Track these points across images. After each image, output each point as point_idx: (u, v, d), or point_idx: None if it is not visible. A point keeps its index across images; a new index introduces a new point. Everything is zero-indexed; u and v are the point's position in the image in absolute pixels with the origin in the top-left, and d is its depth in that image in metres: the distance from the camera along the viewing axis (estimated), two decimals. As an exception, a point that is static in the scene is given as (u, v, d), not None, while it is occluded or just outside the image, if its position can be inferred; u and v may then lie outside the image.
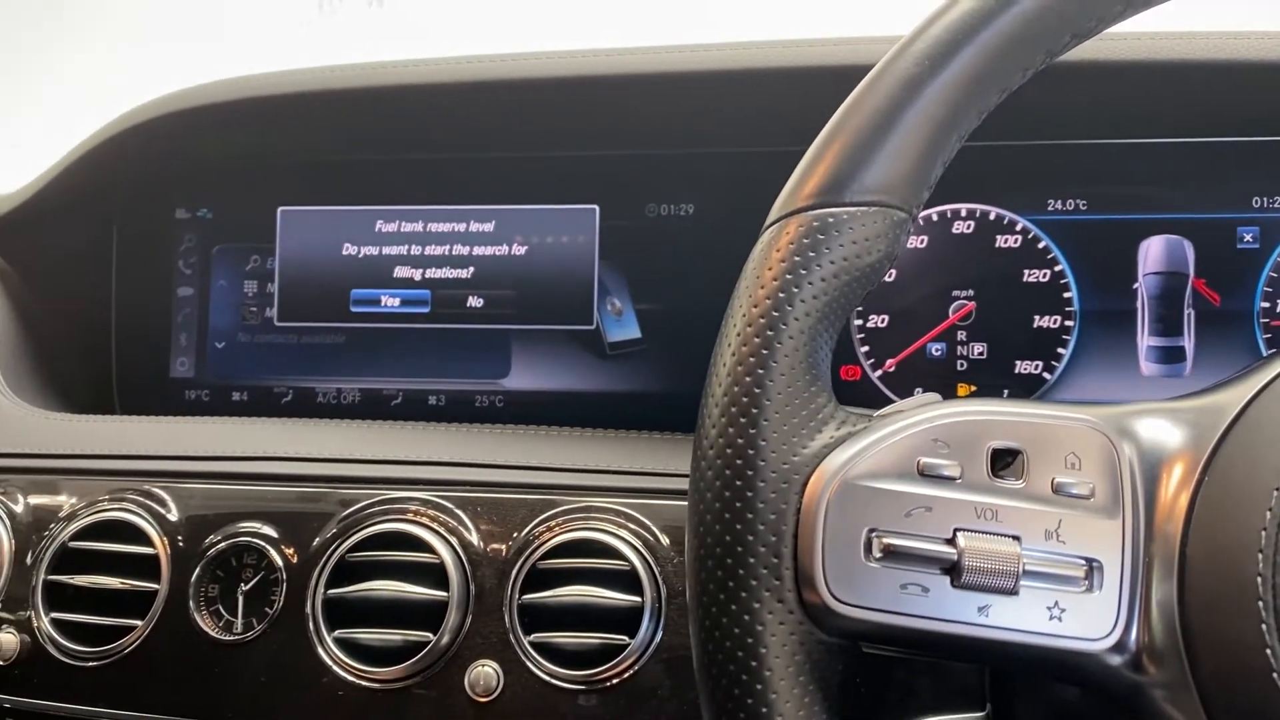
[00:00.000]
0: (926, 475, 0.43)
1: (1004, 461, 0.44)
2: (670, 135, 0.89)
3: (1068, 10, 0.46)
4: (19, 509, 0.80)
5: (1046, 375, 0.84)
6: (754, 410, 0.43)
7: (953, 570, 0.42)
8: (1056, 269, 0.85)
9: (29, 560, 0.77)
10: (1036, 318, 0.85)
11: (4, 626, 0.76)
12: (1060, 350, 0.84)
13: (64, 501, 0.80)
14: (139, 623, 0.74)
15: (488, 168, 0.94)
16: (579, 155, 0.92)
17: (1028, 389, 0.85)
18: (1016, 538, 0.42)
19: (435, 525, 0.73)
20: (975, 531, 0.42)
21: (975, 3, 0.45)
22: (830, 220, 0.44)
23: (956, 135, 0.46)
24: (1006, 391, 0.85)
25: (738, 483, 0.42)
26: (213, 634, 0.73)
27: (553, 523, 0.73)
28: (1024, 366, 0.85)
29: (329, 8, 3.35)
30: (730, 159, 0.90)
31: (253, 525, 0.75)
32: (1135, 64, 0.77)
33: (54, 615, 0.76)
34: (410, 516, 0.74)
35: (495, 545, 0.73)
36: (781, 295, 0.44)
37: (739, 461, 0.42)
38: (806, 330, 0.44)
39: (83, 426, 0.87)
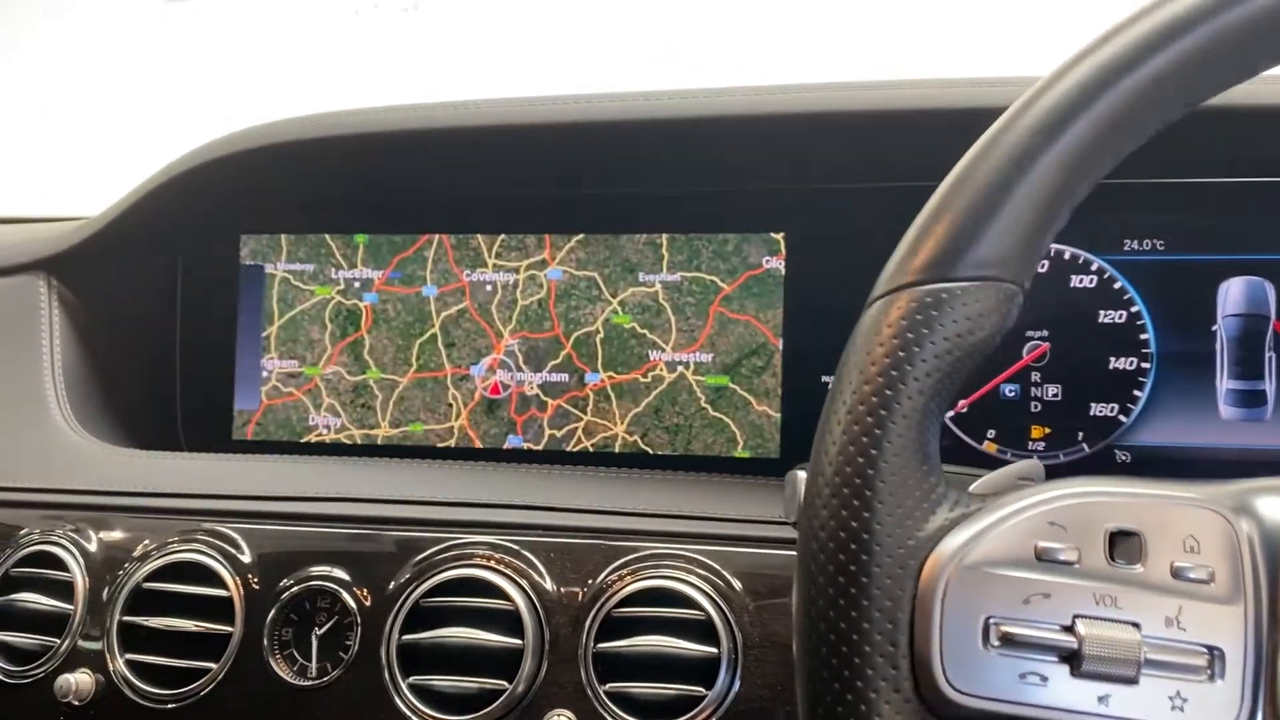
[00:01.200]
0: (1044, 560, 0.42)
1: (1122, 544, 0.43)
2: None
3: (1184, 80, 0.45)
4: (92, 547, 0.81)
5: (1122, 418, 0.83)
6: (867, 492, 0.42)
7: (1072, 659, 0.41)
8: (1133, 310, 0.83)
9: (104, 599, 0.78)
10: (1112, 359, 0.84)
11: (79, 668, 0.77)
12: (1136, 393, 0.83)
13: (136, 541, 0.80)
14: (213, 665, 0.74)
15: (568, 203, 0.94)
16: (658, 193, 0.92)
17: (1103, 432, 0.83)
18: (1136, 624, 0.41)
19: (509, 571, 0.73)
20: (1094, 618, 0.41)
21: (1088, 74, 0.44)
22: (943, 295, 0.44)
23: (1069, 206, 0.46)
24: (1081, 434, 0.84)
25: (852, 567, 0.42)
26: (287, 678, 0.73)
27: (625, 570, 0.72)
28: (1099, 409, 0.84)
29: (365, 14, 3.37)
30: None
31: (325, 569, 0.75)
32: (1214, 105, 0.75)
33: (129, 656, 0.76)
34: (484, 561, 0.73)
35: (569, 592, 0.72)
36: (894, 373, 0.43)
37: (853, 546, 0.42)
38: (919, 409, 0.43)
39: (152, 463, 0.87)
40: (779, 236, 0.89)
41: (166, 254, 1.01)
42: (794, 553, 0.72)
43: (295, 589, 0.75)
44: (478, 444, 0.94)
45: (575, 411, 0.92)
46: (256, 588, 0.76)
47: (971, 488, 0.48)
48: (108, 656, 0.76)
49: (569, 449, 0.92)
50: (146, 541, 0.80)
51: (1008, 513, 0.43)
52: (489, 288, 0.94)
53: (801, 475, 0.58)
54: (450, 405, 0.94)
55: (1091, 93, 0.44)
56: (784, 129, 0.80)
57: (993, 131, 0.46)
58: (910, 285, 0.44)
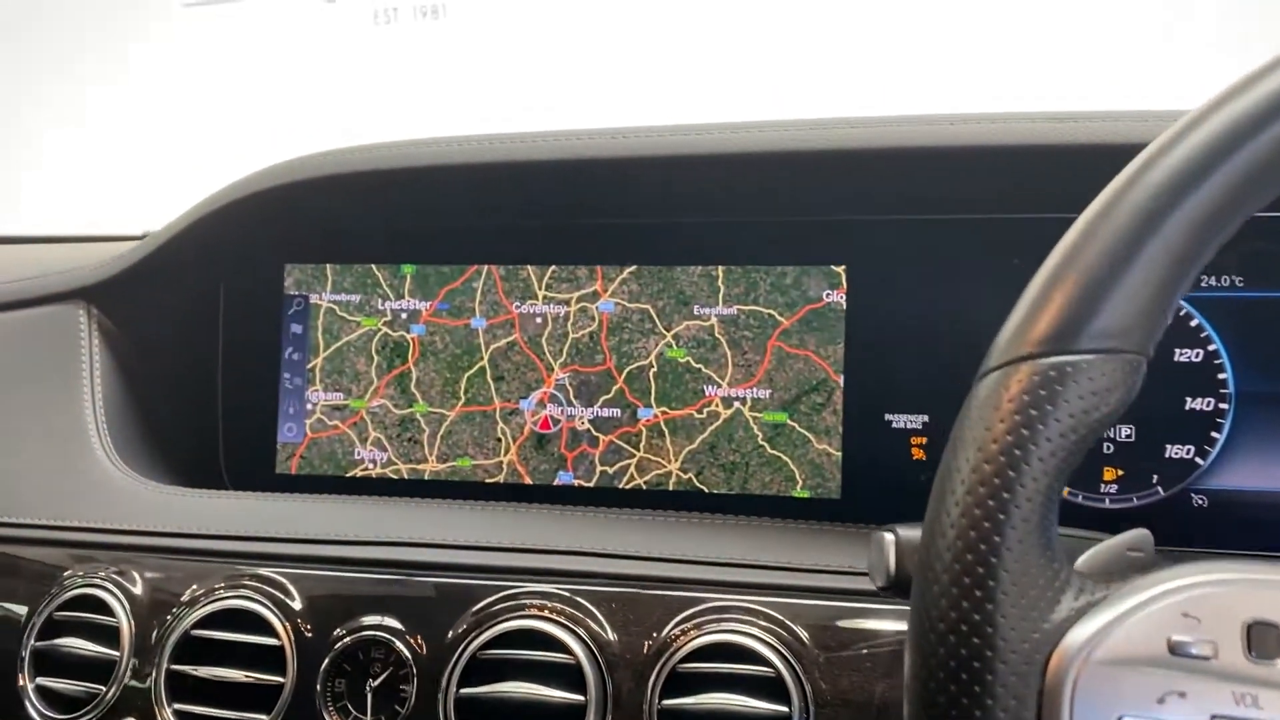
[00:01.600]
0: (1178, 654, 0.39)
1: (1260, 636, 0.40)
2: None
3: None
4: (137, 590, 0.79)
5: (1199, 460, 0.80)
6: (990, 582, 0.39)
7: (1212, 763, 0.38)
8: (1210, 348, 0.80)
9: (150, 644, 0.76)
10: (1188, 399, 0.81)
11: (126, 717, 0.75)
12: (1214, 434, 0.80)
13: (182, 585, 0.78)
14: (265, 718, 0.72)
15: (620, 234, 0.91)
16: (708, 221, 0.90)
17: (1178, 475, 0.80)
18: None
19: (569, 623, 0.70)
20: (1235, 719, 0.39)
21: (1225, 126, 0.42)
22: (1067, 369, 0.41)
23: (1197, 268, 0.43)
24: (1155, 477, 0.81)
25: (975, 663, 0.39)
26: (342, 733, 0.71)
27: (689, 623, 0.70)
28: (1175, 451, 0.81)
29: (384, 18, 3.36)
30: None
31: (378, 618, 0.73)
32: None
33: (177, 706, 0.74)
34: (544, 613, 0.71)
35: (632, 645, 0.70)
36: (1016, 452, 0.40)
37: (975, 639, 0.39)
38: (1042, 491, 0.40)
39: (197, 503, 0.85)
40: (840, 269, 0.86)
41: (209, 283, 0.99)
42: (866, 604, 0.70)
43: (348, 639, 0.73)
44: (527, 480, 0.91)
45: (628, 448, 0.90)
46: (308, 636, 0.74)
47: (1078, 564, 0.45)
48: (155, 707, 0.74)
49: (621, 486, 0.89)
50: (194, 586, 0.77)
51: (1138, 602, 0.40)
52: (539, 320, 0.92)
53: (889, 539, 0.55)
54: (499, 440, 0.92)
55: (1228, 147, 0.41)
56: (851, 164, 0.77)
57: (1116, 189, 0.43)
58: (1030, 358, 0.42)
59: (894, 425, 0.85)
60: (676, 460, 0.89)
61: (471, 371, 0.93)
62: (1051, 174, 0.77)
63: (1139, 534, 0.47)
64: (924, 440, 0.84)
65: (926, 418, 0.84)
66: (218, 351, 0.99)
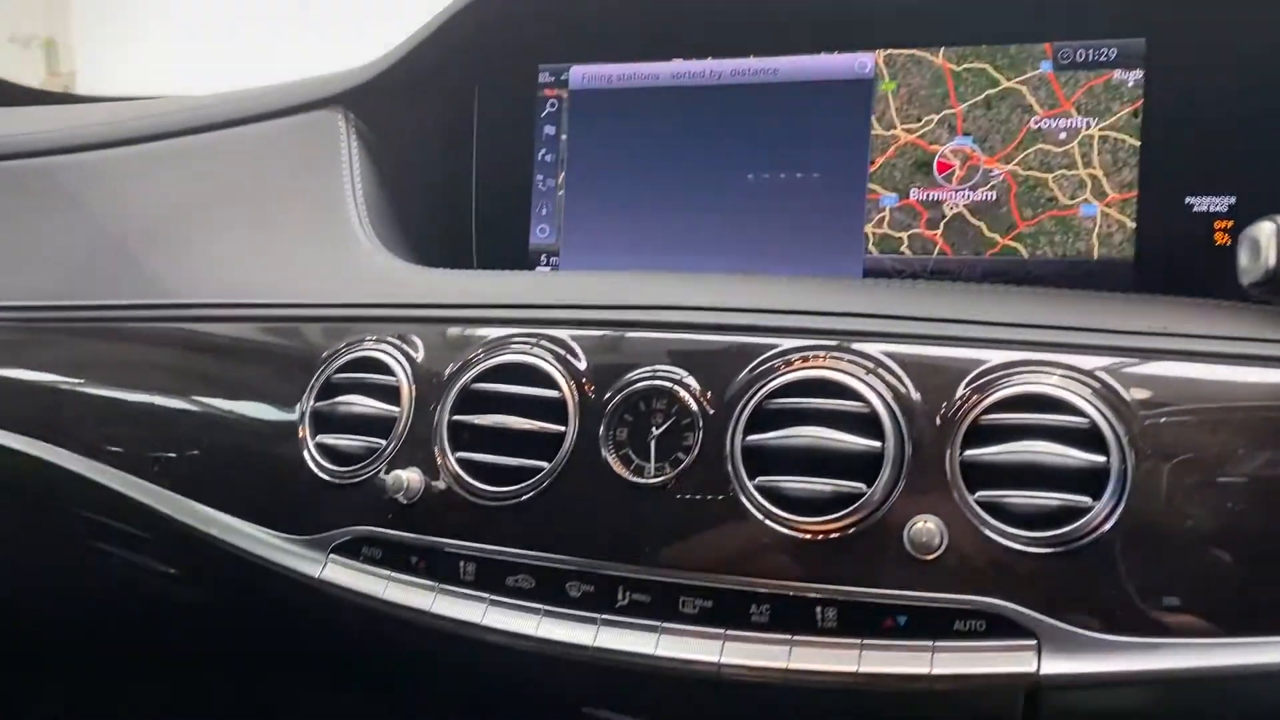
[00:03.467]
0: None
1: None
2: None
3: None
4: (416, 354, 0.79)
5: None
6: None
7: None
8: None
9: (430, 402, 0.77)
10: None
11: (407, 466, 0.76)
12: None
13: (458, 348, 0.78)
14: (546, 465, 0.72)
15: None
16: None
17: None
18: None
19: (861, 374, 0.68)
20: None
21: None
22: None
23: None
24: None
25: None
26: (626, 476, 0.70)
27: (992, 375, 0.66)
28: None
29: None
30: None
31: (662, 369, 0.72)
32: None
33: (459, 455, 0.74)
34: (831, 363, 0.68)
35: (930, 396, 0.67)
36: None
37: None
38: None
39: (468, 279, 0.86)
40: (1139, 41, 0.81)
41: (463, 86, 1.00)
42: (1177, 363, 0.65)
43: (630, 388, 0.72)
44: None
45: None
46: (590, 390, 0.73)
47: None
48: (437, 454, 0.75)
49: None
50: (471, 347, 0.78)
51: None
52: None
53: (1270, 228, 0.51)
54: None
55: None
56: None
57: None
58: None
59: (1195, 209, 0.79)
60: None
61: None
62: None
63: None
64: (1229, 224, 0.78)
65: (1233, 199, 0.78)
66: (472, 154, 1.00)
